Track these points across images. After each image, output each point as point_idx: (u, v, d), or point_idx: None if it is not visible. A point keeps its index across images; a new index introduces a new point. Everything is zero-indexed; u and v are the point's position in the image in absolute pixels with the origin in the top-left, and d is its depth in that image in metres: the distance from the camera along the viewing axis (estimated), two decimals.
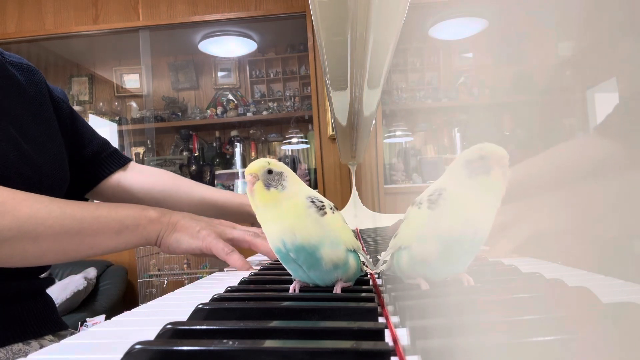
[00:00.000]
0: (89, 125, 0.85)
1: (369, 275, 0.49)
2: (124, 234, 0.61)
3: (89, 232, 0.58)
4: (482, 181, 0.33)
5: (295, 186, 0.41)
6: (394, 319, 0.32)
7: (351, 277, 0.42)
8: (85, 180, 0.83)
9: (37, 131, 0.69)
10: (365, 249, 0.82)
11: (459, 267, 0.37)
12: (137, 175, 0.86)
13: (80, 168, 0.81)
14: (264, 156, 3.11)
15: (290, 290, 0.42)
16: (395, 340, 0.28)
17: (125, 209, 0.63)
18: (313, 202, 0.40)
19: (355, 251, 0.42)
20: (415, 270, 0.37)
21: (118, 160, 0.86)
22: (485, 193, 0.34)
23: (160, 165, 3.01)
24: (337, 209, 0.42)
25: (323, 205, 0.40)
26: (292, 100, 3.12)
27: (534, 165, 0.39)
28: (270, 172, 0.40)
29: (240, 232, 0.68)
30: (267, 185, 0.40)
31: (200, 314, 0.35)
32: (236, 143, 3.07)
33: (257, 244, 0.67)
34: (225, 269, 0.66)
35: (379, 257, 0.47)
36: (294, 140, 2.94)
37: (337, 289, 0.41)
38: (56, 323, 0.70)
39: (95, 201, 0.85)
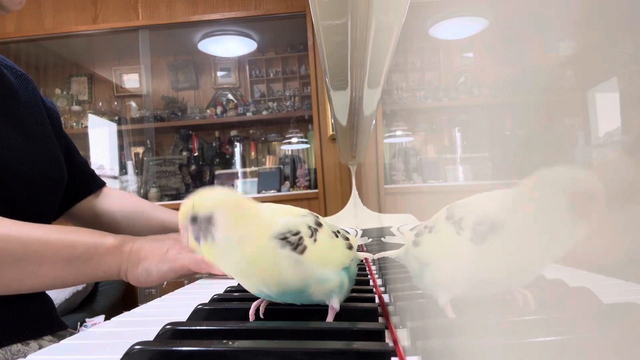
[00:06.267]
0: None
1: (369, 276, 0.49)
2: (75, 264, 0.52)
3: (34, 259, 0.50)
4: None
5: (251, 223, 0.31)
6: (394, 320, 0.32)
7: (345, 293, 0.36)
8: (66, 197, 0.79)
9: (35, 128, 0.68)
10: (365, 249, 0.82)
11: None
12: (105, 200, 0.85)
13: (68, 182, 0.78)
14: (264, 156, 3.11)
15: (251, 311, 0.35)
16: (395, 340, 0.28)
17: (79, 235, 0.55)
18: (286, 238, 0.31)
19: (347, 267, 0.36)
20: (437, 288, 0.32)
21: (96, 183, 0.84)
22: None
23: (160, 164, 3.01)
24: (319, 224, 0.34)
25: (300, 238, 0.31)
26: (292, 100, 3.12)
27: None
28: (194, 219, 0.31)
29: None
30: (197, 239, 0.31)
31: (199, 314, 0.35)
32: (236, 143, 3.07)
33: None
34: None
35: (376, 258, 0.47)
36: (294, 140, 2.94)
37: (334, 305, 0.34)
38: (55, 323, 0.69)
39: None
